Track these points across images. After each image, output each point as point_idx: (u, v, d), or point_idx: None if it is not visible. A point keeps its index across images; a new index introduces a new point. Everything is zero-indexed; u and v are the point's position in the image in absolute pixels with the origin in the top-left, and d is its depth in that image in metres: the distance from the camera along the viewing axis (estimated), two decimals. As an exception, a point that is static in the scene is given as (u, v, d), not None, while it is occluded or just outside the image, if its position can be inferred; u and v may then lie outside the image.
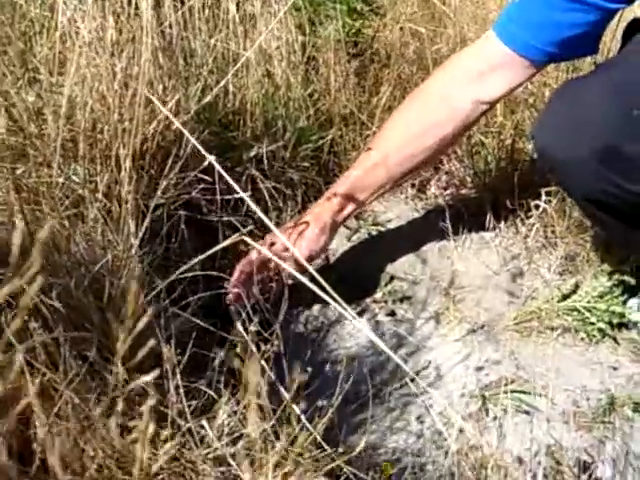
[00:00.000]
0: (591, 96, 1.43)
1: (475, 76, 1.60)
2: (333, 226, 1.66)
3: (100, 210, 1.31)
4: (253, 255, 1.59)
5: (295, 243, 1.60)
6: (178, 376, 1.00)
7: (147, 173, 1.57)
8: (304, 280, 0.85)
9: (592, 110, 1.42)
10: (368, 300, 1.81)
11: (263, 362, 1.08)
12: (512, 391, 1.60)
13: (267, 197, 1.73)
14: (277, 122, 1.78)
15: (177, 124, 0.92)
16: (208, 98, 1.64)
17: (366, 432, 1.45)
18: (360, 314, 1.79)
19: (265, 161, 1.74)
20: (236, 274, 1.57)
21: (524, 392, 1.60)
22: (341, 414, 1.48)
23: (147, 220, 1.30)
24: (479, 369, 1.66)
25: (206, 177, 1.53)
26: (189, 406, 1.04)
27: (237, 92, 1.76)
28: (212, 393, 1.07)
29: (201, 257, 1.02)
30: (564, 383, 1.63)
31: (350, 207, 1.67)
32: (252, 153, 1.69)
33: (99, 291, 1.05)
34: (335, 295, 0.76)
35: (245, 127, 1.75)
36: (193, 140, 0.95)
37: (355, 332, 1.75)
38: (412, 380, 1.63)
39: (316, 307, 1.79)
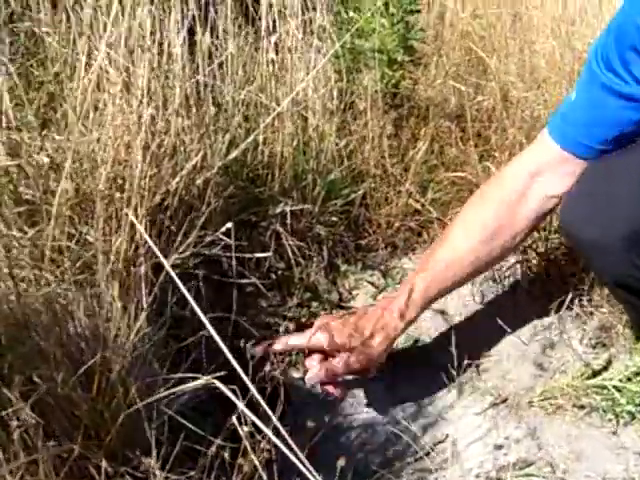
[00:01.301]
0: (620, 178, 1.38)
1: (534, 174, 1.55)
2: (394, 339, 1.60)
3: (110, 275, 1.29)
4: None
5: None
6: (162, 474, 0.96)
7: (167, 229, 1.54)
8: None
9: (621, 194, 1.36)
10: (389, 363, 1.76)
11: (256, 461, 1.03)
12: (530, 475, 1.54)
13: (290, 254, 1.69)
14: (307, 175, 1.74)
15: (168, 269, 0.87)
16: (235, 153, 1.60)
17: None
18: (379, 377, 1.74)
19: (292, 217, 1.70)
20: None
21: (543, 477, 1.54)
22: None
23: (156, 288, 1.28)
24: (498, 447, 1.60)
25: (226, 239, 1.49)
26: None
27: (268, 145, 1.73)
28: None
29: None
30: (586, 469, 1.56)
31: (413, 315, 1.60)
32: (278, 210, 1.65)
33: (91, 378, 1.02)
34: (307, 466, 0.71)
35: (273, 181, 1.71)
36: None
37: (372, 399, 1.71)
38: (427, 454, 1.58)
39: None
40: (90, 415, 0.99)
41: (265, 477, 1.03)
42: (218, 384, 0.81)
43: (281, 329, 1.69)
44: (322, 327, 1.58)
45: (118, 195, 1.42)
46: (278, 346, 1.60)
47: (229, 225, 1.31)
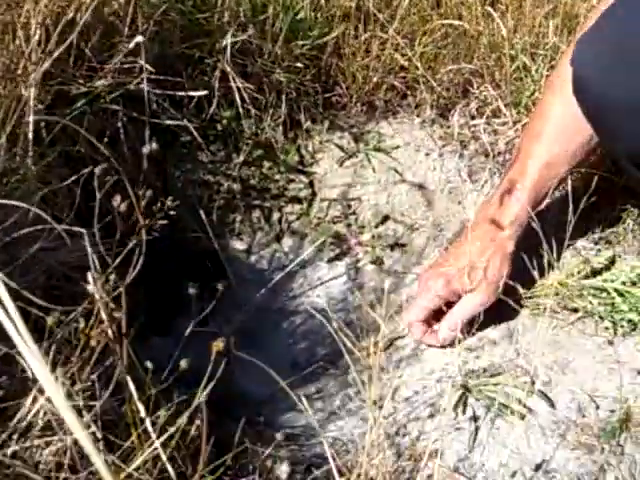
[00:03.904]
0: None
1: None
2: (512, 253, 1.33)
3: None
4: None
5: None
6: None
7: (82, 51, 1.24)
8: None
9: None
10: (352, 241, 1.48)
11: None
12: (501, 384, 1.27)
13: (238, 100, 1.39)
14: (268, 7, 1.42)
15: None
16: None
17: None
18: (339, 257, 1.47)
19: (245, 54, 1.40)
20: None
21: (518, 387, 1.27)
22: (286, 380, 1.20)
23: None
24: (469, 349, 1.33)
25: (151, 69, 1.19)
26: None
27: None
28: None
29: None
30: (572, 382, 1.29)
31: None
32: (225, 42, 1.34)
33: None
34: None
35: (224, 8, 1.40)
36: None
37: (330, 278, 1.45)
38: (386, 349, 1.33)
39: (287, 241, 1.48)
40: None
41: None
42: None
43: (222, 189, 1.41)
44: (429, 278, 1.33)
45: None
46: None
47: (140, 39, 1.01)
